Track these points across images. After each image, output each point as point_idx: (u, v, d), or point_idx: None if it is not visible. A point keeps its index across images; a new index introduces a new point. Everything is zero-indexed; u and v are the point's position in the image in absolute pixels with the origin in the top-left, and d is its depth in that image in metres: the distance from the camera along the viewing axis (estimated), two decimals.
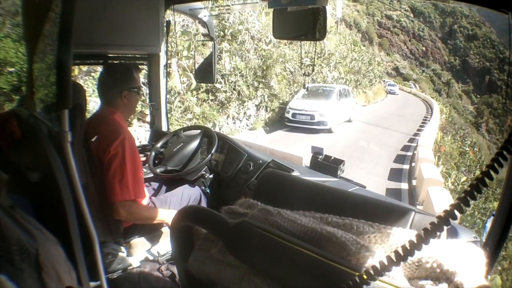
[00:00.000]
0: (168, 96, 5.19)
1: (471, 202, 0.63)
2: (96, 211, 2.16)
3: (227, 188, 3.43)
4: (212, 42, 3.83)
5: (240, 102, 16.40)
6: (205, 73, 3.93)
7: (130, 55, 3.60)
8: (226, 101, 15.46)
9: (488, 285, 0.82)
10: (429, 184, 8.82)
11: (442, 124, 27.23)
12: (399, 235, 0.92)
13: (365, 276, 0.70)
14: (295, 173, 2.96)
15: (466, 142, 24.65)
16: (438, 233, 0.65)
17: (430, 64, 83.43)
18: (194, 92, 13.79)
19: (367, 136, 18.23)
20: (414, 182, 11.02)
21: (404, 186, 11.15)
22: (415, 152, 14.49)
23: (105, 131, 2.46)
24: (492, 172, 0.62)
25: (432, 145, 15.33)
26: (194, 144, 3.42)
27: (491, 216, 1.62)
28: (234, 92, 15.98)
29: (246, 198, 1.44)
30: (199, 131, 3.55)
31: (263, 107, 18.17)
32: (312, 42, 2.91)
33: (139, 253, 2.77)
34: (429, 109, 36.51)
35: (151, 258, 2.78)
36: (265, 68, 17.62)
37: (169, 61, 8.67)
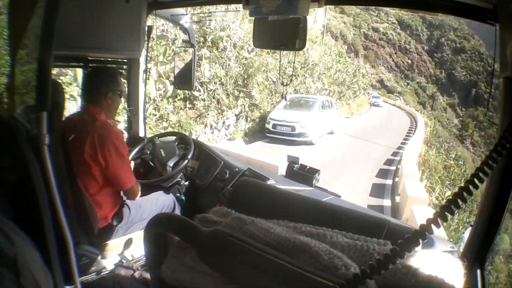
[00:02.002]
0: None
1: (449, 216, 0.65)
2: (71, 212, 2.10)
3: (203, 196, 3.42)
4: (193, 49, 3.83)
5: (219, 111, 15.93)
6: (184, 79, 3.91)
7: (110, 59, 3.59)
8: (204, 110, 15.00)
9: None
10: (414, 202, 8.60)
11: (427, 137, 27.04)
12: (372, 246, 0.95)
13: None
14: (271, 182, 3.01)
15: (450, 155, 24.65)
16: (413, 247, 0.66)
17: (416, 77, 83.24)
18: (171, 100, 13.30)
19: (350, 149, 17.86)
20: (397, 199, 10.83)
21: (387, 203, 10.82)
22: (398, 166, 14.22)
23: (97, 130, 2.57)
24: (470, 188, 0.64)
25: (417, 159, 15.26)
26: (170, 150, 3.43)
27: (469, 227, 1.73)
28: (213, 100, 15.52)
29: (221, 206, 1.47)
30: (174, 137, 3.62)
31: (243, 117, 17.72)
32: (293, 52, 2.83)
33: (113, 256, 2.81)
34: (413, 122, 36.40)
35: (124, 262, 2.82)
36: (246, 77, 17.26)
37: (148, 67, 8.10)
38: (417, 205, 8.19)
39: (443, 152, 24.55)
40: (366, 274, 0.69)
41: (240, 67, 17.38)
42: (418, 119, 36.99)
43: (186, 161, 3.35)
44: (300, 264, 0.88)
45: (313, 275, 0.84)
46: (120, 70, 3.59)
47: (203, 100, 14.98)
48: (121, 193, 2.87)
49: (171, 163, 3.37)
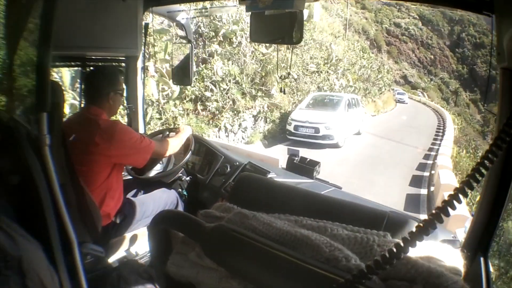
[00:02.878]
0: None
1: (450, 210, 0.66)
2: (74, 211, 2.06)
3: (204, 191, 3.43)
4: (190, 45, 3.76)
5: (234, 112, 14.39)
6: (182, 75, 3.84)
7: (108, 57, 3.59)
8: (217, 111, 13.46)
9: (465, 286, 0.80)
10: (456, 219, 6.87)
11: (456, 136, 25.22)
12: (372, 237, 0.97)
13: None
14: (271, 175, 3.08)
15: (478, 154, 22.33)
16: (418, 242, 0.68)
17: (438, 72, 79.74)
18: (178, 102, 11.83)
19: (378, 151, 16.19)
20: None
21: (424, 217, 8.80)
22: (433, 172, 12.79)
23: (100, 130, 2.53)
24: (471, 183, 0.64)
25: (450, 163, 13.42)
26: None
27: (471, 217, 1.92)
28: (228, 101, 13.94)
29: (223, 200, 1.57)
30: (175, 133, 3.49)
31: (261, 118, 16.16)
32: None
33: (118, 253, 2.80)
34: (441, 120, 34.58)
35: (129, 258, 2.79)
36: (264, 74, 15.49)
37: (146, 64, 8.49)
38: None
39: (471, 151, 22.73)
40: (372, 269, 0.70)
41: (257, 64, 15.73)
42: (446, 116, 35.03)
43: (187, 156, 3.26)
44: (302, 257, 0.89)
45: (316, 267, 0.85)
46: (120, 69, 3.56)
47: (216, 101, 13.48)
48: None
49: (172, 159, 3.35)
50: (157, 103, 10.87)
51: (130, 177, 3.24)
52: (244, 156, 3.59)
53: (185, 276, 1.11)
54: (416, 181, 12.41)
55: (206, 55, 13.80)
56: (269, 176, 3.05)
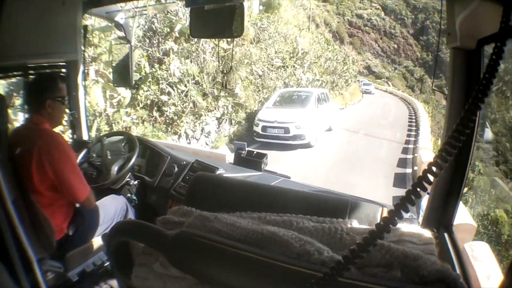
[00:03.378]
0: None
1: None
2: (28, 227, 2.08)
3: (154, 193, 3.38)
4: (129, 45, 3.75)
5: (195, 116, 13.05)
6: (122, 76, 3.77)
7: (49, 64, 3.47)
8: (176, 117, 12.17)
9: (445, 265, 0.80)
10: None
11: (430, 126, 24.28)
12: (340, 226, 0.96)
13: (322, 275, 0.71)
14: (220, 171, 3.05)
15: None
16: (391, 227, 0.67)
17: (402, 61, 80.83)
18: (130, 109, 10.52)
19: (353, 148, 15.22)
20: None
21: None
22: (415, 168, 12.12)
23: (39, 141, 2.47)
24: (434, 170, 0.64)
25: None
26: (117, 151, 3.32)
27: (426, 195, 1.90)
28: (187, 104, 12.55)
29: (173, 202, 2.02)
30: (120, 137, 3.46)
31: (226, 120, 14.87)
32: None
33: (76, 267, 2.70)
34: (411, 109, 33.95)
35: (88, 271, 2.72)
36: (226, 72, 14.01)
37: (87, 68, 8.42)
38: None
39: None
40: (349, 259, 0.69)
41: (219, 61, 14.44)
42: (416, 106, 34.33)
43: (133, 160, 3.21)
44: (272, 255, 0.86)
45: (288, 264, 0.82)
46: (60, 75, 3.36)
47: (174, 105, 12.14)
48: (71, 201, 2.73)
49: (118, 164, 3.24)
50: (104, 112, 9.73)
51: None
52: (190, 154, 3.60)
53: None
54: (399, 180, 11.48)
55: (160, 54, 12.38)
56: (218, 172, 3.04)
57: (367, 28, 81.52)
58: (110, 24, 9.65)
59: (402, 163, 13.51)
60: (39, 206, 2.31)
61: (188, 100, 12.57)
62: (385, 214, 0.80)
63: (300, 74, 22.04)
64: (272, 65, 18.84)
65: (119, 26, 3.71)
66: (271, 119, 14.26)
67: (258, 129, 14.42)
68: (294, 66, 21.54)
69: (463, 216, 7.04)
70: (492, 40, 1.47)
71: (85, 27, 3.47)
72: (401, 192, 9.64)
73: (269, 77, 18.35)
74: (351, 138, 17.50)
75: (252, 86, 16.79)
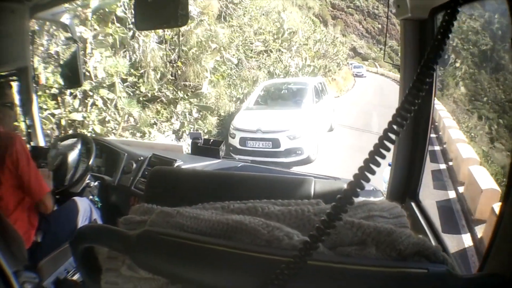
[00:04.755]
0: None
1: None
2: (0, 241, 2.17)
3: (115, 192, 3.39)
4: (76, 45, 3.65)
5: (141, 133, 8.66)
6: (71, 77, 3.65)
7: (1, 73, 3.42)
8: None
9: (422, 238, 0.78)
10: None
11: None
12: (306, 208, 0.89)
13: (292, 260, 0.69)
14: (179, 163, 3.04)
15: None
16: (353, 199, 0.65)
17: (387, 41, 78.38)
18: None
19: (363, 154, 10.53)
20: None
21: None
22: (450, 164, 10.40)
23: None
24: (390, 136, 0.63)
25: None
26: (74, 154, 3.22)
27: (387, 166, 1.89)
28: (118, 117, 8.05)
29: (136, 199, 1.93)
30: (75, 139, 3.38)
31: (188, 131, 9.88)
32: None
33: (50, 275, 2.70)
34: None
35: (62, 278, 2.73)
36: (174, 62, 9.32)
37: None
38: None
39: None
40: (316, 238, 0.67)
41: (169, 49, 9.82)
42: None
43: (91, 161, 3.13)
44: (240, 245, 0.80)
45: (258, 253, 0.77)
46: (9, 82, 3.15)
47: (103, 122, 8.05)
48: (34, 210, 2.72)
49: (75, 167, 3.18)
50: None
51: None
52: (147, 149, 3.53)
53: None
54: (437, 180, 9.49)
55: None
56: (176, 164, 3.00)
57: (350, 9, 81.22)
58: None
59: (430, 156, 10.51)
60: (4, 217, 2.28)
61: (119, 112, 8.12)
62: None
63: (287, 59, 17.20)
64: (252, 50, 14.13)
65: (64, 27, 3.67)
66: (253, 128, 9.61)
67: (235, 142, 9.70)
68: (280, 50, 16.72)
69: (489, 182, 7.66)
70: (444, 8, 1.41)
71: (33, 32, 3.46)
72: (445, 195, 8.70)
73: (248, 66, 13.73)
74: (356, 139, 12.70)
75: (224, 80, 12.16)
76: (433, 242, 1.27)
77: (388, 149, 0.62)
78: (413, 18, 1.64)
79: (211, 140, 3.45)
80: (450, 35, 0.62)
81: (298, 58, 19.02)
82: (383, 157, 0.62)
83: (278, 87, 12.21)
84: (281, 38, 16.85)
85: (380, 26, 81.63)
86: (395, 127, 0.62)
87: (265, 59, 15.06)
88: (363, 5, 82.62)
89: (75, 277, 2.72)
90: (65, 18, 3.54)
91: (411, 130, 1.57)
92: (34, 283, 2.35)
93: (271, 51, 15.57)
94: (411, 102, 0.62)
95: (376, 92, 29.39)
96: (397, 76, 37.21)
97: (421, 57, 1.46)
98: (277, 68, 15.78)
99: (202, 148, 3.37)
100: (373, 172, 0.63)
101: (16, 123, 3.69)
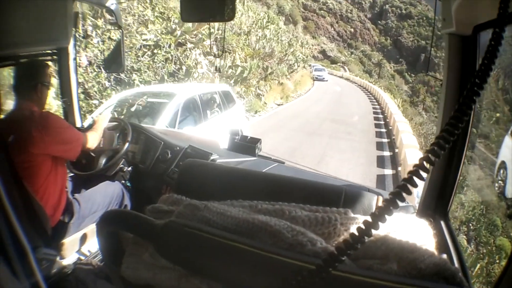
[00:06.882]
0: None
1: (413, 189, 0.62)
2: (22, 216, 2.05)
3: (147, 179, 3.21)
4: (121, 30, 3.54)
5: None
6: (114, 62, 3.57)
7: (40, 52, 3.19)
8: None
9: (443, 258, 0.75)
10: None
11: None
12: (334, 216, 0.87)
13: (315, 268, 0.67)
14: (214, 157, 2.93)
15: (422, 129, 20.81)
16: (387, 217, 0.63)
17: (359, 45, 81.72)
18: None
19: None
20: None
21: None
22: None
23: (34, 123, 2.34)
24: (442, 144, 0.61)
25: None
26: (111, 137, 3.13)
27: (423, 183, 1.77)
28: None
29: (167, 188, 1.86)
30: (114, 123, 3.23)
31: None
32: None
33: (71, 255, 2.66)
34: (374, 100, 28.19)
35: (83, 259, 2.69)
36: None
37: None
38: None
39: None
40: (343, 251, 0.65)
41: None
42: (380, 95, 27.64)
43: (126, 146, 3.01)
44: (263, 246, 0.77)
45: (280, 255, 0.74)
46: (47, 62, 2.99)
47: None
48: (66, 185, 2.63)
49: (110, 152, 3.08)
50: None
51: (72, 174, 2.95)
52: (184, 140, 3.33)
53: (142, 278, 0.93)
54: None
55: None
56: (212, 158, 2.88)
57: (322, 11, 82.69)
58: None
59: None
60: (33, 194, 2.21)
61: None
62: (380, 203, 0.75)
63: (196, 55, 12.23)
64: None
65: (109, 11, 3.43)
66: None
67: None
68: (185, 44, 12.00)
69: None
70: (488, 27, 1.47)
71: (76, 13, 3.14)
72: None
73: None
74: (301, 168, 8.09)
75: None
76: (455, 263, 1.36)
77: (427, 171, 0.59)
78: (457, 33, 1.56)
79: (248, 137, 3.37)
80: (497, 56, 0.59)
81: (228, 57, 14.90)
82: (422, 179, 0.59)
83: (131, 103, 7.28)
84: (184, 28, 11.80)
85: (352, 30, 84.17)
86: (436, 149, 0.60)
87: (159, 56, 10.28)
88: (336, 8, 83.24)
89: (97, 260, 2.62)
90: (110, 3, 3.25)
91: (448, 148, 1.05)
92: (52, 261, 2.29)
93: (163, 47, 10.69)
94: (455, 125, 0.60)
95: (333, 100, 26.07)
96: (364, 81, 33.50)
97: (463, 72, 1.59)
98: (170, 68, 10.88)
99: (239, 145, 3.30)
100: (409, 193, 0.61)
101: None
